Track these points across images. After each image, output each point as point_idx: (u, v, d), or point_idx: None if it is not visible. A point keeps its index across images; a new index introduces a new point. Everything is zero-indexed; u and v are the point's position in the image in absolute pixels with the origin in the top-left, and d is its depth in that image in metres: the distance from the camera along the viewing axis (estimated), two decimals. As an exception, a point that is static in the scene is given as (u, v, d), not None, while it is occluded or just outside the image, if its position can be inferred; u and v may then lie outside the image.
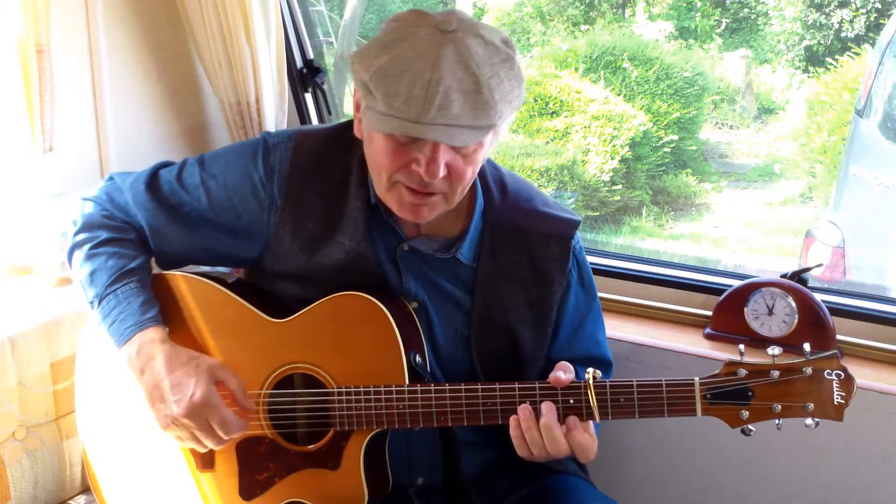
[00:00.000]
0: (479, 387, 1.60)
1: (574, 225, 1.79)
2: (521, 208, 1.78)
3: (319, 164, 1.73)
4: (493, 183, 1.78)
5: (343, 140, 1.73)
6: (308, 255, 1.71)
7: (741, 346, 1.58)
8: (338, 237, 1.70)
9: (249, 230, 1.73)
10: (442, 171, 1.53)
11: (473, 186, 1.75)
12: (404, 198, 1.59)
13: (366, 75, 1.50)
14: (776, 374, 1.53)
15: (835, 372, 1.52)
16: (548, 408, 1.55)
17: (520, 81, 1.55)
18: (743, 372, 1.54)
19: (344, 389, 1.64)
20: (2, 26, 2.00)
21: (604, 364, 1.84)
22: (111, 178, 1.81)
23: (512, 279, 1.74)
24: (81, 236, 1.74)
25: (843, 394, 1.51)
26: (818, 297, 2.19)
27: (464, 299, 1.74)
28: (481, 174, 1.77)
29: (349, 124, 1.72)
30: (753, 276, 2.29)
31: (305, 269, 1.71)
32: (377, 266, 1.70)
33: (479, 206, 1.76)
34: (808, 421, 1.53)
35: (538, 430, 1.54)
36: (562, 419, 1.56)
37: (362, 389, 1.62)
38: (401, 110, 1.46)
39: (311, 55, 2.77)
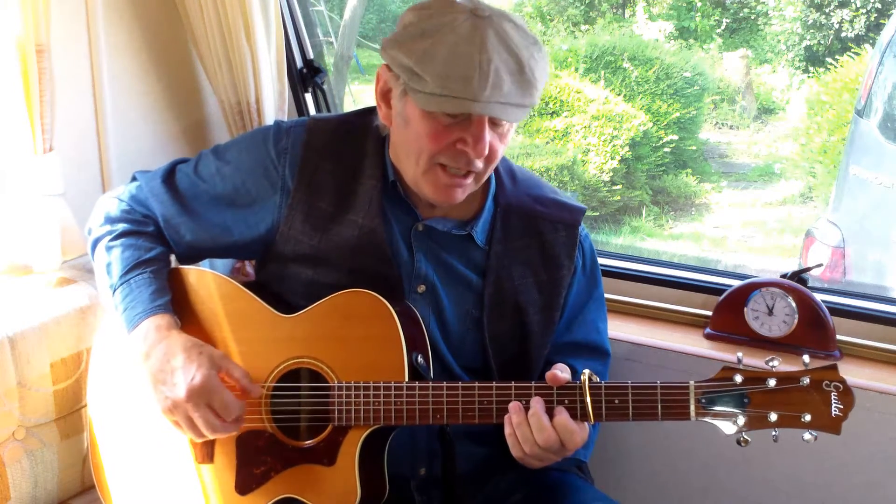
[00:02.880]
0: (476, 385, 1.61)
1: (580, 212, 1.85)
2: (530, 194, 1.84)
3: (333, 145, 1.77)
4: (503, 171, 1.84)
5: (357, 125, 1.79)
6: (321, 234, 1.74)
7: (739, 354, 1.55)
8: (350, 215, 1.74)
9: (262, 213, 1.77)
10: (487, 150, 1.58)
11: None
12: (441, 180, 1.64)
13: (409, 59, 1.55)
14: (773, 382, 1.51)
15: (833, 383, 1.48)
16: (536, 401, 1.57)
17: (547, 62, 1.63)
18: (739, 378, 1.52)
19: (343, 384, 1.65)
20: (2, 26, 2.00)
21: (602, 353, 1.88)
22: (134, 177, 1.88)
23: (523, 262, 1.79)
24: (102, 230, 1.80)
25: (842, 406, 1.48)
26: (818, 297, 2.19)
27: (475, 281, 1.78)
28: None
29: (363, 111, 1.80)
30: (753, 276, 2.29)
31: (318, 249, 1.74)
32: (388, 243, 1.73)
33: (491, 189, 1.81)
34: (807, 435, 1.50)
35: (528, 425, 1.55)
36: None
37: (361, 385, 1.64)
38: (457, 90, 1.51)
39: (311, 55, 2.77)
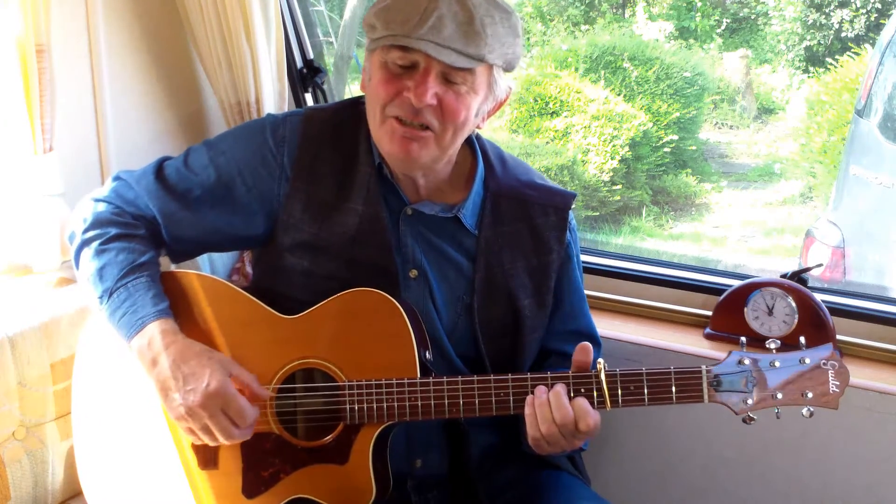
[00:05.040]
0: (492, 378, 1.63)
1: (571, 197, 1.86)
2: (520, 180, 1.85)
3: (330, 134, 1.78)
4: (493, 156, 1.85)
5: (352, 113, 1.80)
6: (320, 222, 1.74)
7: (743, 339, 1.63)
8: (350, 203, 1.74)
9: (260, 203, 1.76)
10: (430, 96, 1.60)
11: (474, 154, 1.82)
12: (396, 131, 1.65)
13: (371, 14, 1.64)
14: (778, 363, 1.59)
15: (830, 362, 1.58)
16: (559, 385, 1.60)
17: (516, 35, 1.65)
18: (748, 360, 1.59)
19: (355, 383, 1.65)
20: (2, 26, 2.00)
21: (598, 342, 1.90)
22: (118, 177, 1.81)
23: (513, 246, 1.80)
24: (90, 233, 1.73)
25: (839, 383, 1.58)
26: (818, 297, 2.19)
27: (466, 266, 1.78)
28: (482, 147, 1.84)
29: (357, 100, 1.81)
30: (753, 276, 2.30)
31: (318, 237, 1.74)
32: (387, 229, 1.73)
33: (479, 173, 1.81)
34: (804, 410, 1.58)
35: (548, 404, 1.58)
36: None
37: (374, 383, 1.64)
38: (395, 29, 1.59)
39: (311, 55, 2.77)
